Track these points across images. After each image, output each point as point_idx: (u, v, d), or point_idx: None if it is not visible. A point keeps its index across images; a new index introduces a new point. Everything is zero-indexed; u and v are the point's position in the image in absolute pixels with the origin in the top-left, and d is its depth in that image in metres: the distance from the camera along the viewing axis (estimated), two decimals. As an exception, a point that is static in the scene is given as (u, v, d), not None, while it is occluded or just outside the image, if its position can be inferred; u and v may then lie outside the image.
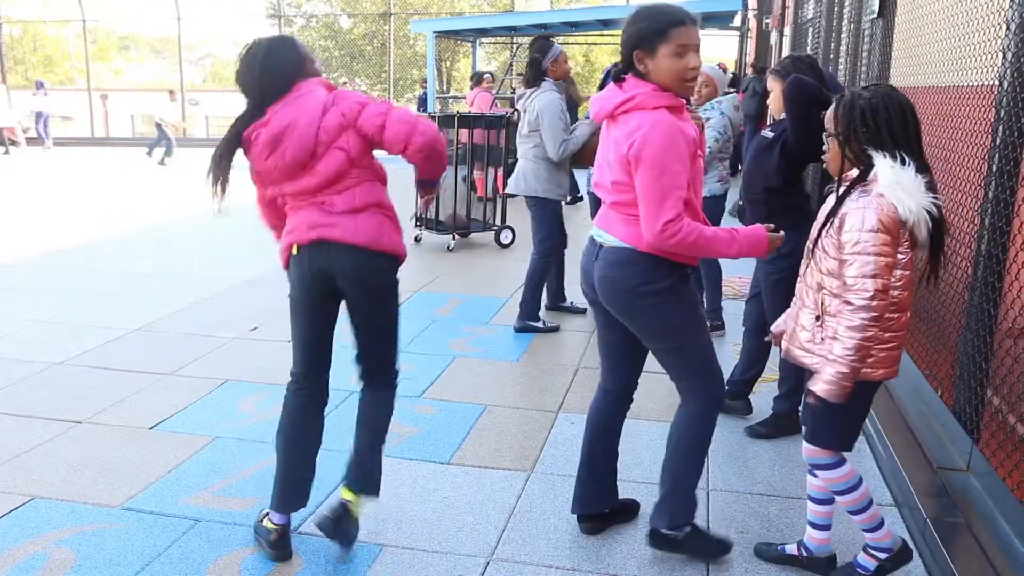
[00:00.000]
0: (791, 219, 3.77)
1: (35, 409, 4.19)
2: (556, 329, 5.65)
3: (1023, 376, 2.96)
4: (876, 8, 5.77)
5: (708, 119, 4.77)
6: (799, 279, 2.70)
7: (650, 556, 2.92)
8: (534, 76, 5.43)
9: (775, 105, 3.82)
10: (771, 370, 4.13)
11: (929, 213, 2.34)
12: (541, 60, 5.39)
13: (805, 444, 2.69)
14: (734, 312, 5.93)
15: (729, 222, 4.60)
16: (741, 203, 4.11)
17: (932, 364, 3.94)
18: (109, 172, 16.47)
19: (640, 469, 3.57)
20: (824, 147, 2.57)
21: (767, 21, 17.50)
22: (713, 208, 5.07)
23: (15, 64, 33.61)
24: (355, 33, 32.31)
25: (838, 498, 2.70)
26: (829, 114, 2.53)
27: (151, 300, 6.30)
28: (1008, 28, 3.12)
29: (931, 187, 2.40)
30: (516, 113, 6.26)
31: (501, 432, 3.98)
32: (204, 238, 9.09)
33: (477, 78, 12.92)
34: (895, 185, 2.32)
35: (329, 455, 3.67)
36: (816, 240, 2.53)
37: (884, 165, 2.36)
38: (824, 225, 2.50)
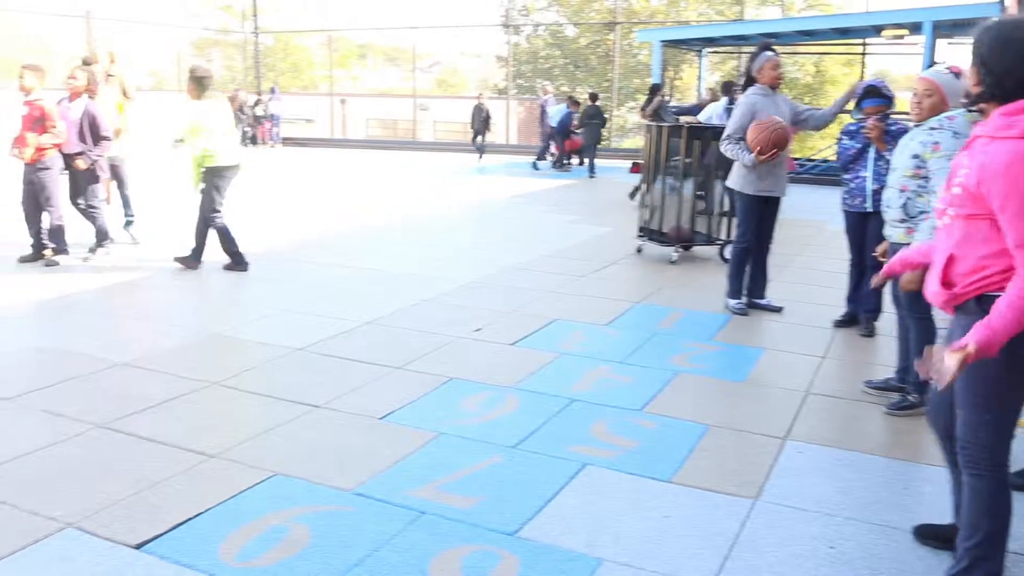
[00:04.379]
0: None
1: (276, 391, 4.48)
2: (778, 310, 6.36)
3: None
4: None
5: (937, 142, 4.02)
6: None
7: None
8: (745, 82, 6.35)
9: None
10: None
11: None
12: (749, 67, 6.18)
13: None
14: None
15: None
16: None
17: None
18: (351, 171, 17.52)
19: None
20: None
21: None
22: None
23: (267, 71, 36.60)
24: (580, 42, 32.68)
25: None
26: None
27: (380, 296, 6.60)
28: None
29: None
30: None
31: (723, 454, 3.83)
32: (430, 242, 9.44)
33: (726, 87, 12.01)
34: None
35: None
36: None
37: None
38: None
